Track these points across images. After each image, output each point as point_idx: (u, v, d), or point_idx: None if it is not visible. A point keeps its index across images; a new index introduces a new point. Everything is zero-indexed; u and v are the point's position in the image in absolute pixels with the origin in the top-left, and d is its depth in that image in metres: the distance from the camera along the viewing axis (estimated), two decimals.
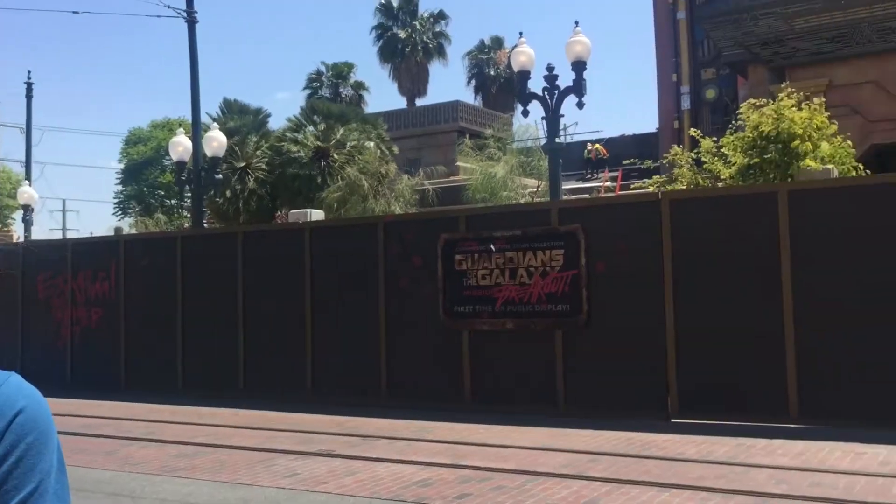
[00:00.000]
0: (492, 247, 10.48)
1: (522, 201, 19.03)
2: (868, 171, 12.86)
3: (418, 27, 42.40)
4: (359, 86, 40.00)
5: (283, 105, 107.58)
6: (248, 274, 12.15)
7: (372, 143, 23.28)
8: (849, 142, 13.26)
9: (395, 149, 24.72)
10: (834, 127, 13.26)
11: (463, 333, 10.53)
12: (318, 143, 22.96)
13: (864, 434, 7.75)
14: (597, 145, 27.80)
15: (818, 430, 8.14)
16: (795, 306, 8.67)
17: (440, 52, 42.79)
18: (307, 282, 11.64)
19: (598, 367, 9.69)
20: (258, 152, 23.12)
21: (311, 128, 23.87)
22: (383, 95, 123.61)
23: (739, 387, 8.88)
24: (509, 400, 10.18)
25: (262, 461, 7.72)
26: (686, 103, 24.98)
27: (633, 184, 19.49)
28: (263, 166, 22.76)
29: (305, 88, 39.99)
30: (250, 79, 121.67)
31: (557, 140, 13.65)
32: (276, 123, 30.64)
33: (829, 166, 12.18)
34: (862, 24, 16.35)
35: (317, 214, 13.23)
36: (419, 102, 40.53)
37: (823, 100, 13.93)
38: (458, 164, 26.53)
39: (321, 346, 11.51)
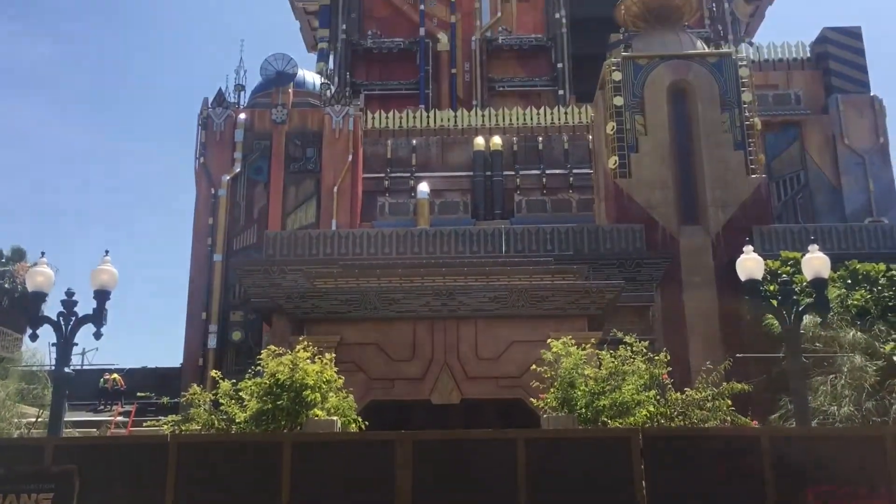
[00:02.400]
0: None
1: (17, 433, 16.95)
2: (367, 423, 14.10)
3: None
4: None
5: None
6: None
7: None
8: (351, 396, 14.52)
9: None
10: (341, 381, 14.46)
11: None
12: None
13: None
14: (115, 375, 26.40)
15: None
16: None
17: None
18: None
19: None
20: None
21: None
22: None
23: None
24: None
25: None
26: (213, 342, 25.33)
27: (147, 420, 18.71)
28: None
29: None
30: None
31: (67, 370, 12.73)
32: None
33: (334, 418, 13.13)
34: (370, 293, 18.61)
35: None
36: None
37: (334, 355, 15.22)
38: None
39: None
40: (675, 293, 21.93)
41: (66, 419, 13.60)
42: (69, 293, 12.83)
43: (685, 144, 23.67)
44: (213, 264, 26.49)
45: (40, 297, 12.87)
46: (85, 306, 13.08)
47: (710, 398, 13.89)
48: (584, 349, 14.55)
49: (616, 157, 23.37)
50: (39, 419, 18.61)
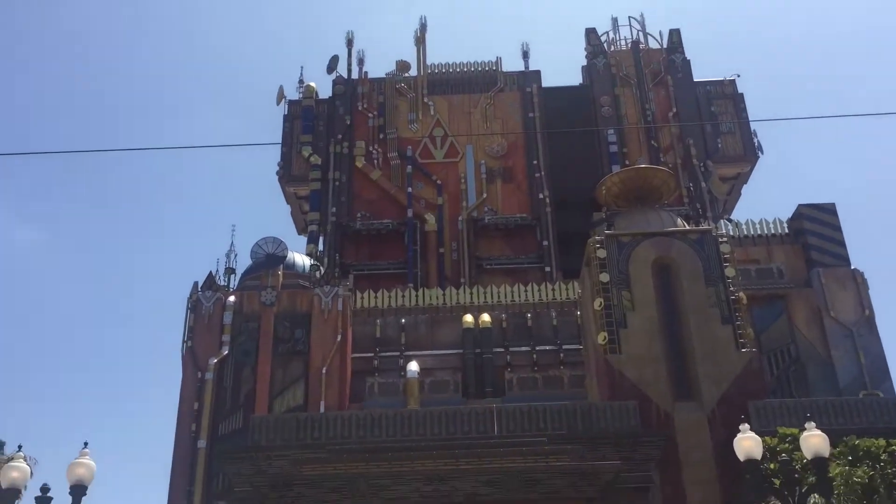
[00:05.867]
0: None
1: None
2: None
3: None
4: None
5: None
6: None
7: None
8: None
9: None
10: None
11: None
12: None
13: None
14: None
15: None
16: None
17: None
18: None
19: None
20: None
21: None
22: None
23: None
24: None
25: None
26: None
27: None
28: None
29: None
30: None
31: None
32: None
33: None
34: (359, 479, 17.98)
35: None
36: None
37: None
38: None
39: None
40: (674, 472, 21.26)
41: None
42: (44, 489, 12.31)
43: (673, 319, 23.78)
44: (196, 451, 25.69)
45: (13, 493, 12.34)
46: (61, 501, 12.54)
47: None
48: None
49: (605, 333, 23.38)
50: None
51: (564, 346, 29.43)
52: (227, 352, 27.32)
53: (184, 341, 27.55)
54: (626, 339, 23.29)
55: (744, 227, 30.54)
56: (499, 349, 29.42)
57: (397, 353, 29.46)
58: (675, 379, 22.87)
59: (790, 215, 30.65)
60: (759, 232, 30.32)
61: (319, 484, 18.23)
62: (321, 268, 31.91)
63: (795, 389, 26.27)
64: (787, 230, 30.30)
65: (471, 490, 18.32)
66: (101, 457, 13.13)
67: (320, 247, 36.69)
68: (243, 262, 30.24)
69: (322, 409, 25.86)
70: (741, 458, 13.87)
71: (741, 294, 23.98)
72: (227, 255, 30.06)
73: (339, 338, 27.83)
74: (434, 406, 24.17)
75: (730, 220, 32.39)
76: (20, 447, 12.77)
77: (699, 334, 23.10)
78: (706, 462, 21.35)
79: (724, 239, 24.95)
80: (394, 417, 22.68)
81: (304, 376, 27.20)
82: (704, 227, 27.08)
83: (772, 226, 30.46)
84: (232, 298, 28.26)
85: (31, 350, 79.66)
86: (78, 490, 12.21)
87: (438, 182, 38.30)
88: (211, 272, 28.97)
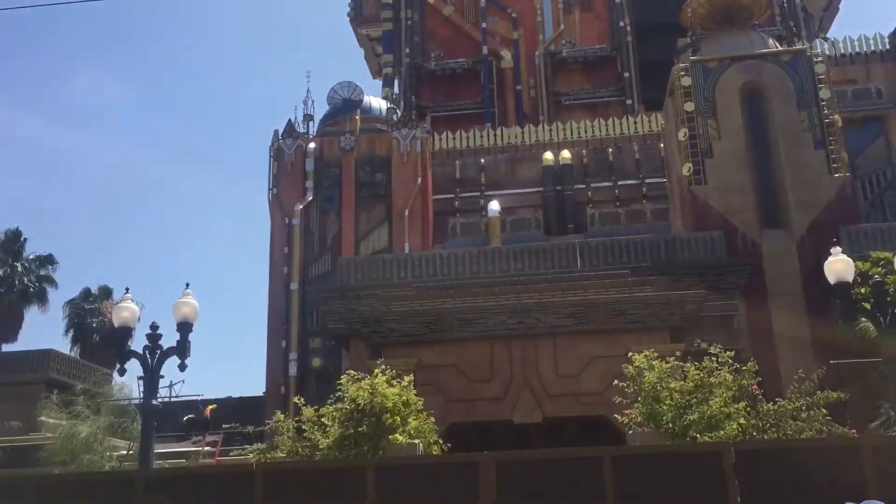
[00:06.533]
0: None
1: (108, 466, 17.40)
2: (448, 445, 13.98)
3: (20, 269, 39.05)
4: None
5: None
6: None
7: None
8: (432, 419, 14.43)
9: None
10: (421, 402, 14.38)
11: None
12: None
13: None
14: (211, 406, 26.78)
15: None
16: None
17: (41, 297, 39.43)
18: None
19: None
20: None
21: None
22: None
23: None
24: None
25: None
26: (293, 370, 25.57)
27: (233, 450, 18.96)
28: None
29: None
30: None
31: (155, 402, 12.99)
32: None
33: (416, 441, 13.05)
34: (445, 314, 18.53)
35: None
36: (6, 348, 36.32)
37: (412, 377, 15.15)
38: (43, 419, 23.80)
39: None
40: (759, 300, 21.19)
41: (155, 451, 13.85)
42: (153, 327, 13.13)
43: (762, 146, 22.97)
44: (290, 293, 26.82)
45: (126, 332, 13.21)
46: (170, 339, 13.36)
47: (804, 408, 13.33)
48: (667, 362, 14.16)
49: (690, 164, 22.83)
50: (130, 452, 19.09)
51: (647, 180, 28.92)
52: (311, 198, 27.88)
53: (269, 189, 28.19)
54: (712, 168, 22.72)
55: (841, 45, 28.66)
56: (580, 185, 29.14)
57: (478, 193, 29.54)
58: (763, 207, 22.36)
59: (892, 30, 28.53)
60: (857, 50, 28.42)
61: (408, 319, 18.87)
62: (398, 111, 31.71)
63: (890, 214, 25.39)
64: (888, 46, 28.31)
65: (555, 322, 18.68)
66: (202, 300, 13.84)
67: (395, 89, 36.29)
68: (320, 109, 30.28)
69: (407, 251, 26.43)
70: (832, 280, 13.64)
71: (836, 116, 22.87)
72: (305, 102, 30.08)
73: (419, 180, 28.00)
74: (516, 244, 24.42)
75: (826, 39, 30.43)
76: (127, 290, 13.55)
77: (790, 160, 22.32)
78: (794, 289, 21.16)
79: (819, 59, 23.56)
80: (477, 255, 23.08)
81: (388, 219, 27.69)
82: (798, 47, 25.54)
83: (871, 42, 28.47)
84: (312, 145, 28.52)
85: (126, 205, 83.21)
86: (184, 327, 13.01)
87: (513, 15, 36.86)
88: (290, 120, 29.16)
